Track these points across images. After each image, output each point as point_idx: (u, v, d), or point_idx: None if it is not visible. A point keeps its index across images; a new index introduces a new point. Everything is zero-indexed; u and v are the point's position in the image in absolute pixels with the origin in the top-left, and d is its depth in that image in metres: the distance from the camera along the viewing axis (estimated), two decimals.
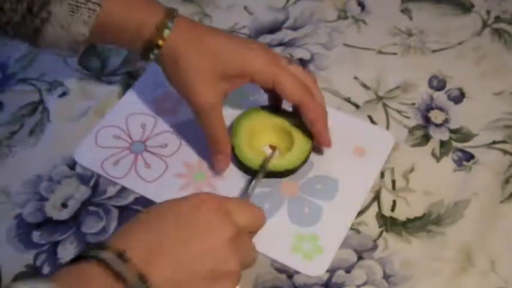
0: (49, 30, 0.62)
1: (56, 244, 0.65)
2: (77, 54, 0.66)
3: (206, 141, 0.68)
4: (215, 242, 0.50)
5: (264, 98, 0.71)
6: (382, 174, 0.69)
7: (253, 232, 0.56)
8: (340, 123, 0.72)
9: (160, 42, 0.64)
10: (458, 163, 0.69)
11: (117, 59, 0.80)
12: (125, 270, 0.47)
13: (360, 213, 0.66)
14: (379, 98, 0.75)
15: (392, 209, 0.67)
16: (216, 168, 0.68)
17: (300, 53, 0.79)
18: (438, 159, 0.70)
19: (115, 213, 0.67)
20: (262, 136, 0.70)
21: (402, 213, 0.66)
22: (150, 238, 0.49)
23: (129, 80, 0.78)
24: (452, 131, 0.72)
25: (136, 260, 0.47)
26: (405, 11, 0.83)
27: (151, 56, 0.65)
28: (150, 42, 0.64)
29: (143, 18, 0.64)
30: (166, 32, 0.64)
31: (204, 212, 0.51)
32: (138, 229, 0.51)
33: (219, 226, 0.51)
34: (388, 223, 0.66)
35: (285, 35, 0.81)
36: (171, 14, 0.65)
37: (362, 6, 0.84)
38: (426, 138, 0.72)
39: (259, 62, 0.65)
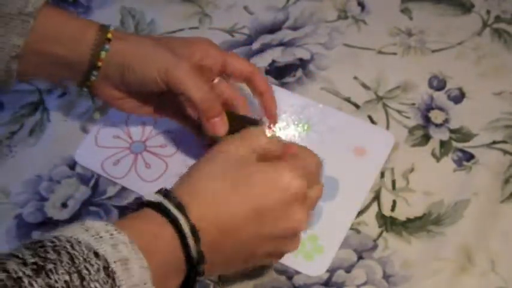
0: None
1: None
2: (10, 81, 0.63)
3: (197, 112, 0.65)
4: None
5: None
6: (382, 174, 0.69)
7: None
8: (340, 123, 0.72)
9: (99, 64, 0.63)
10: (458, 163, 0.69)
11: None
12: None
13: (360, 213, 0.66)
14: (379, 98, 0.75)
15: (393, 209, 0.67)
16: (216, 131, 0.64)
17: (300, 53, 0.79)
18: (438, 159, 0.70)
19: (115, 213, 0.67)
20: None
21: (402, 213, 0.66)
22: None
23: None
24: (452, 131, 0.72)
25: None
26: (405, 11, 0.83)
27: (94, 75, 0.64)
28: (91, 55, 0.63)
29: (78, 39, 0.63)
30: (103, 53, 0.63)
31: (292, 208, 0.54)
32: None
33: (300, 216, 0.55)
34: (388, 223, 0.66)
35: (285, 35, 0.81)
36: (104, 30, 0.64)
37: (362, 6, 0.84)
38: (426, 138, 0.72)
39: (205, 47, 0.66)
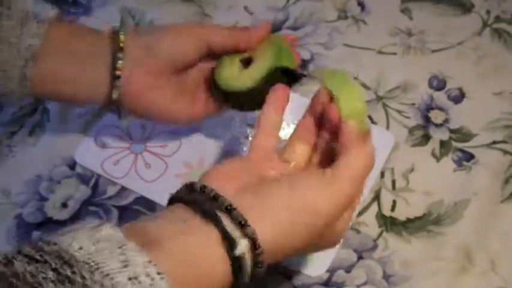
0: None
1: None
2: (23, 92, 0.61)
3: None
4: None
5: None
6: (382, 174, 0.69)
7: None
8: None
9: (122, 44, 0.61)
10: (458, 163, 0.69)
11: None
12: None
13: (360, 213, 0.66)
14: (379, 98, 0.75)
15: (393, 209, 0.67)
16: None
17: (300, 53, 0.79)
18: (438, 159, 0.70)
19: (115, 213, 0.67)
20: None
21: (402, 213, 0.66)
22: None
23: None
24: (452, 131, 0.72)
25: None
26: (405, 11, 0.83)
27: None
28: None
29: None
30: (115, 93, 0.62)
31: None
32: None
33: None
34: (388, 223, 0.66)
35: (285, 34, 0.81)
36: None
37: (362, 6, 0.84)
38: (426, 138, 0.72)
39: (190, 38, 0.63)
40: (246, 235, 0.44)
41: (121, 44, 0.61)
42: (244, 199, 0.46)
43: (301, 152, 0.54)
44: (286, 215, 0.46)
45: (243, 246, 0.44)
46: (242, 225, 0.44)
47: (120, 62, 0.61)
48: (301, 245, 0.48)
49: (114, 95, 0.62)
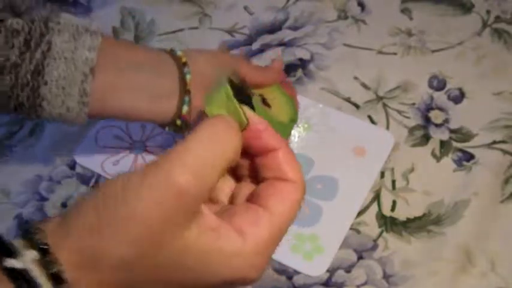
0: (51, 65, 0.54)
1: None
2: (85, 112, 0.56)
3: None
4: None
5: None
6: (382, 174, 0.69)
7: None
8: (340, 123, 0.72)
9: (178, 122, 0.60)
10: (458, 163, 0.69)
11: None
12: None
13: (360, 213, 0.66)
14: (379, 98, 0.75)
15: (392, 209, 0.67)
16: None
17: (300, 53, 0.79)
18: (438, 159, 0.70)
19: None
20: None
21: (402, 213, 0.66)
22: None
23: None
24: (452, 131, 0.72)
25: None
26: (405, 11, 0.83)
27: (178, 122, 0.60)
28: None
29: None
30: (185, 108, 0.59)
31: None
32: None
33: None
34: (388, 223, 0.66)
35: (285, 35, 0.81)
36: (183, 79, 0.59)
37: (362, 6, 0.84)
38: (426, 138, 0.72)
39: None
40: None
41: (183, 59, 0.60)
42: None
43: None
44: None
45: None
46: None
47: (188, 76, 0.59)
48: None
49: (184, 111, 0.59)
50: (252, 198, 0.40)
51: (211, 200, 0.41)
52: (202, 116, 0.40)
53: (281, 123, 0.64)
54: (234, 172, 0.42)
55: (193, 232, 0.36)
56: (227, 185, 0.42)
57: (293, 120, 0.66)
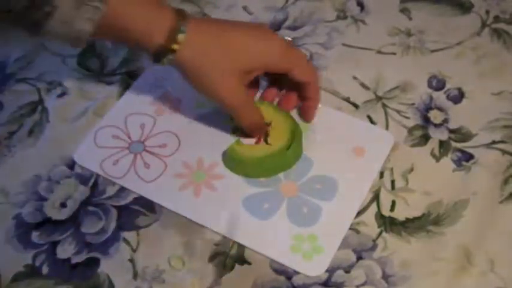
0: (51, 24, 0.59)
1: (55, 244, 0.65)
2: (81, 46, 0.62)
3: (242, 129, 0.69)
4: None
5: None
6: (381, 174, 0.69)
7: None
8: (339, 123, 0.72)
9: (175, 46, 0.62)
10: (458, 163, 0.69)
11: (117, 59, 0.80)
12: None
13: (359, 213, 0.66)
14: (379, 98, 0.75)
15: (392, 209, 0.67)
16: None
17: None
18: (437, 159, 0.70)
19: (114, 213, 0.67)
20: None
21: (401, 213, 0.66)
22: None
23: (128, 80, 0.78)
24: (451, 131, 0.72)
25: None
26: (404, 10, 0.83)
27: (165, 61, 0.63)
28: (162, 47, 0.62)
29: (152, 22, 0.62)
30: (181, 36, 0.62)
31: None
32: None
33: None
34: (388, 223, 0.66)
35: (284, 34, 0.81)
36: (182, 15, 0.63)
37: (361, 6, 0.84)
38: (425, 138, 0.72)
39: (277, 53, 0.66)
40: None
41: (177, 42, 0.63)
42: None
43: None
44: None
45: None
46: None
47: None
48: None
49: (166, 61, 0.63)
50: None
51: None
52: None
53: (281, 151, 0.68)
54: None
55: None
56: None
57: (295, 132, 0.69)
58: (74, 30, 0.60)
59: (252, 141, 0.70)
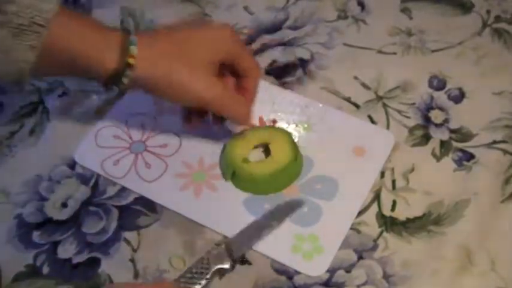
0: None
1: (56, 244, 0.65)
2: (23, 86, 0.60)
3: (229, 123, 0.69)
4: None
5: None
6: (382, 174, 0.69)
7: None
8: (340, 123, 0.72)
9: (130, 60, 0.59)
10: (459, 163, 0.69)
11: None
12: None
13: (360, 213, 0.66)
14: (379, 98, 0.75)
15: (393, 209, 0.67)
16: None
17: (300, 53, 0.79)
18: (438, 159, 0.70)
19: (115, 213, 0.67)
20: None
21: (402, 213, 0.66)
22: None
23: None
24: (452, 131, 0.72)
25: None
26: (405, 10, 0.83)
27: (125, 80, 0.60)
28: (118, 63, 0.59)
29: (100, 42, 0.59)
30: (133, 48, 0.59)
31: None
32: None
33: None
34: (388, 223, 0.66)
35: (285, 34, 0.81)
36: (126, 30, 0.61)
37: (362, 6, 0.84)
38: (426, 138, 0.72)
39: (229, 37, 0.65)
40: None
41: (130, 60, 0.60)
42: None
43: None
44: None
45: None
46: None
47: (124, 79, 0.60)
48: None
49: (125, 80, 0.60)
50: None
51: None
52: None
53: (291, 163, 0.67)
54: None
55: None
56: None
57: (293, 142, 0.69)
58: (12, 61, 0.56)
59: (258, 157, 0.70)
